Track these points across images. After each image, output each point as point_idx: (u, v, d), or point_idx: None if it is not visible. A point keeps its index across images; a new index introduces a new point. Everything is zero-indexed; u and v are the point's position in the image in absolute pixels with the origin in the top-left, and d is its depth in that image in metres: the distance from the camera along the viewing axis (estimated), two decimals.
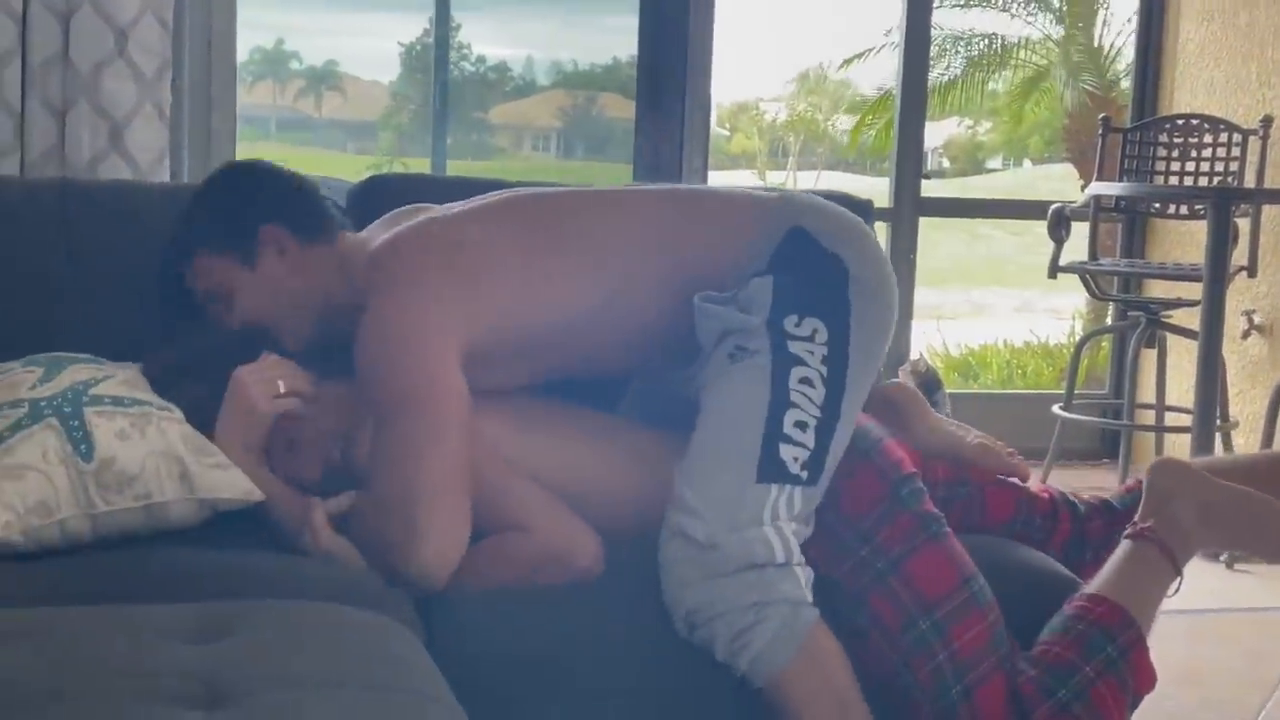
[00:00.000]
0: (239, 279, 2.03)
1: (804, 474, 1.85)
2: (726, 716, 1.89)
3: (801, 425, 1.86)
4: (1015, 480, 2.19)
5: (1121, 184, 4.49)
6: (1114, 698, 1.86)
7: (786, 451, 1.85)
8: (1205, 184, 4.42)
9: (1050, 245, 4.37)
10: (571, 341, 2.00)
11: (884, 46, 9.07)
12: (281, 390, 1.95)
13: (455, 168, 4.48)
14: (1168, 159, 4.52)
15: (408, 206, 2.17)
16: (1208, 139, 4.47)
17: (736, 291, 1.94)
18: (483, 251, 1.96)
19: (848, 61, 10.61)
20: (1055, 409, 4.47)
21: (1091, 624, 1.90)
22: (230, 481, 1.87)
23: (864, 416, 2.03)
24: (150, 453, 1.82)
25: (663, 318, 1.99)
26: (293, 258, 2.04)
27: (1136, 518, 2.04)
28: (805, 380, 1.88)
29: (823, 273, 1.96)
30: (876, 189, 4.76)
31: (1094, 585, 1.97)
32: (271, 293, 2.03)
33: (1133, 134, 4.59)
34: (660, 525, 1.87)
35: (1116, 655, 1.88)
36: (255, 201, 2.07)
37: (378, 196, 2.33)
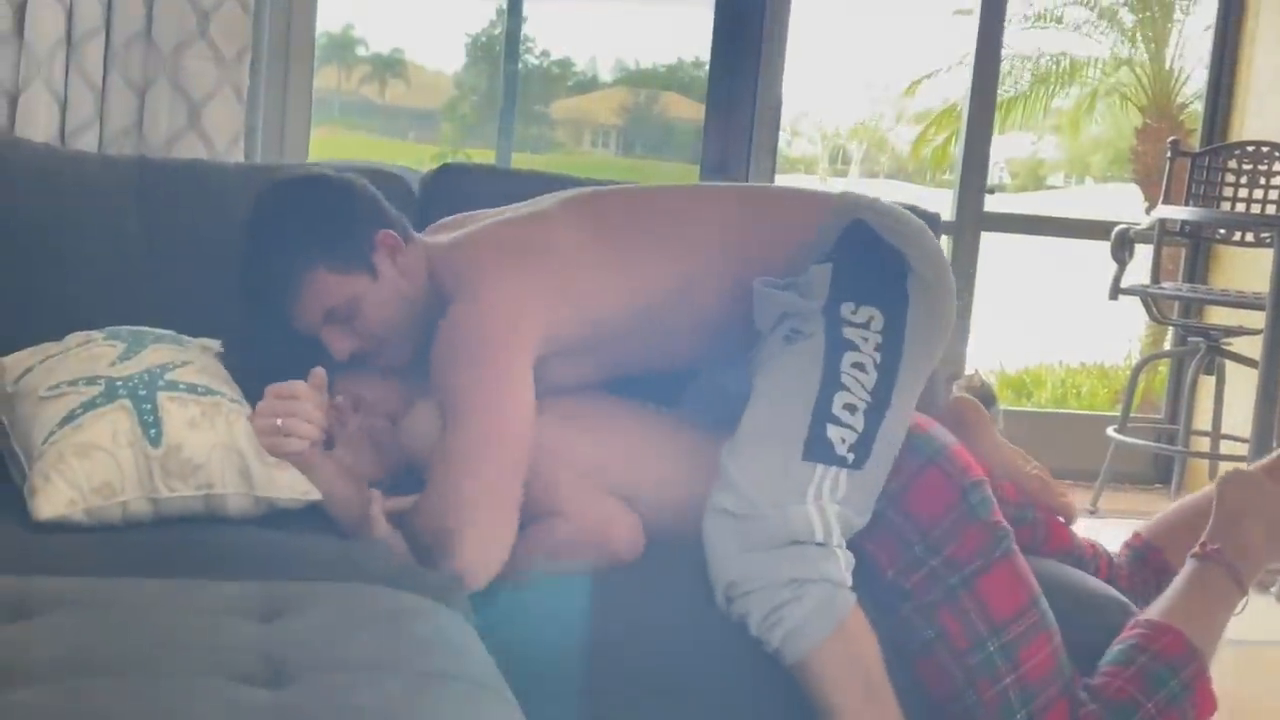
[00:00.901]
0: (364, 293, 1.95)
1: (850, 456, 1.87)
2: (767, 702, 1.90)
3: (851, 408, 1.88)
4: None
5: (1188, 209, 4.46)
6: None
7: (834, 432, 1.87)
8: (1273, 212, 4.38)
9: (1114, 266, 4.35)
10: (644, 330, 2.02)
11: (953, 67, 9.02)
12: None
13: (517, 160, 4.50)
14: (1235, 185, 4.49)
15: (453, 218, 2.18)
16: (1277, 166, 4.43)
17: (796, 278, 1.97)
18: (561, 247, 1.98)
19: (916, 83, 10.56)
20: (1110, 431, 4.45)
21: (1154, 656, 1.89)
22: (288, 482, 1.88)
23: (929, 422, 2.03)
24: (216, 444, 1.84)
25: (727, 306, 2.02)
26: (403, 261, 2.00)
27: (1205, 536, 2.02)
28: (858, 365, 1.90)
29: (882, 264, 1.98)
30: (937, 200, 4.73)
31: (1157, 610, 1.96)
32: (391, 303, 1.98)
33: (1201, 159, 4.56)
34: None
35: (1179, 689, 1.87)
36: (358, 209, 2.01)
37: (451, 185, 2.35)
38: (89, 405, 1.82)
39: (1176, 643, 1.90)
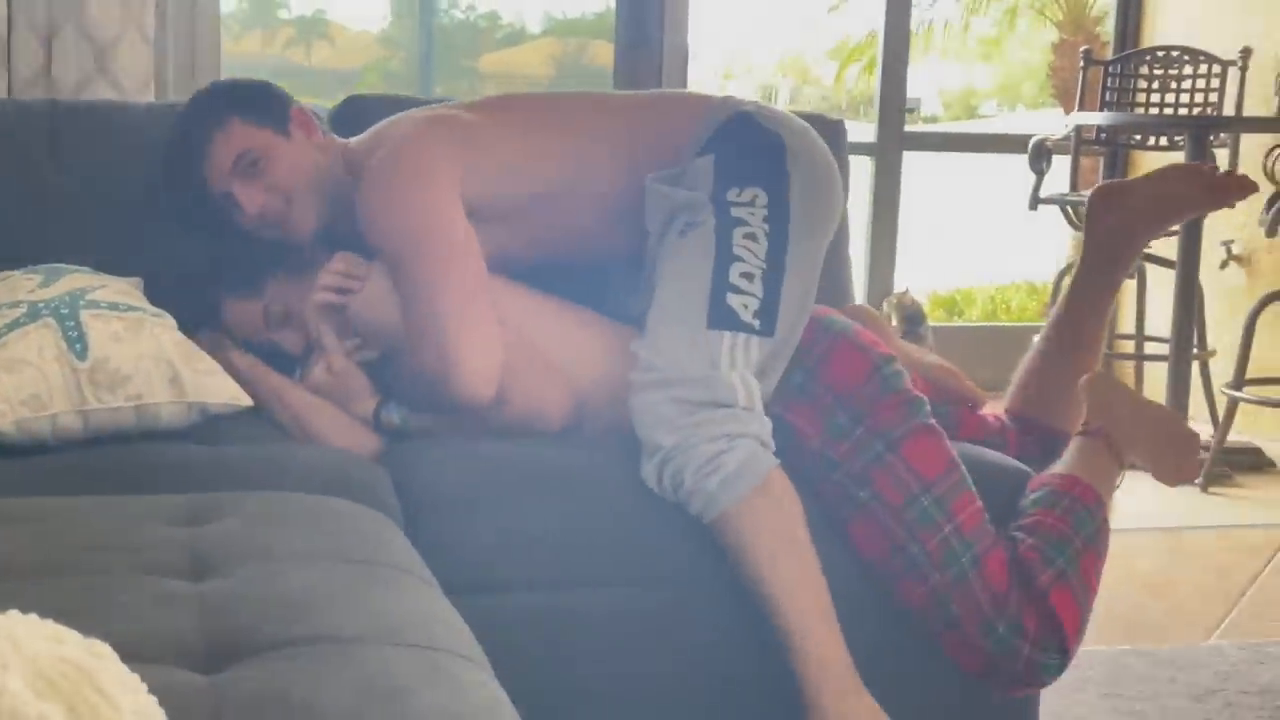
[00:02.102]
0: (274, 145, 2.07)
1: (756, 322, 1.94)
2: (705, 601, 1.97)
3: (748, 275, 1.96)
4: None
5: (1101, 114, 4.53)
6: (1095, 568, 1.98)
7: (735, 300, 1.95)
8: (1185, 115, 4.46)
9: (1033, 179, 4.42)
10: (548, 206, 2.12)
11: None
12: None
13: None
14: (1148, 90, 4.56)
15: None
16: (1187, 70, 4.51)
17: (682, 170, 2.06)
18: (467, 122, 2.10)
19: (834, 7, 10.58)
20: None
21: (1075, 500, 2.00)
22: (219, 387, 1.92)
23: (830, 310, 2.11)
24: (143, 355, 1.88)
25: (624, 198, 2.10)
26: (316, 139, 2.12)
27: (1083, 422, 2.15)
28: (749, 236, 1.99)
29: (761, 147, 2.07)
30: (868, 132, 4.79)
31: (1062, 468, 2.07)
32: (301, 164, 2.08)
33: (1114, 66, 4.63)
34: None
35: (1094, 531, 1.99)
36: (274, 89, 2.16)
37: (359, 115, 2.37)
38: (12, 325, 1.85)
39: (1089, 492, 2.02)
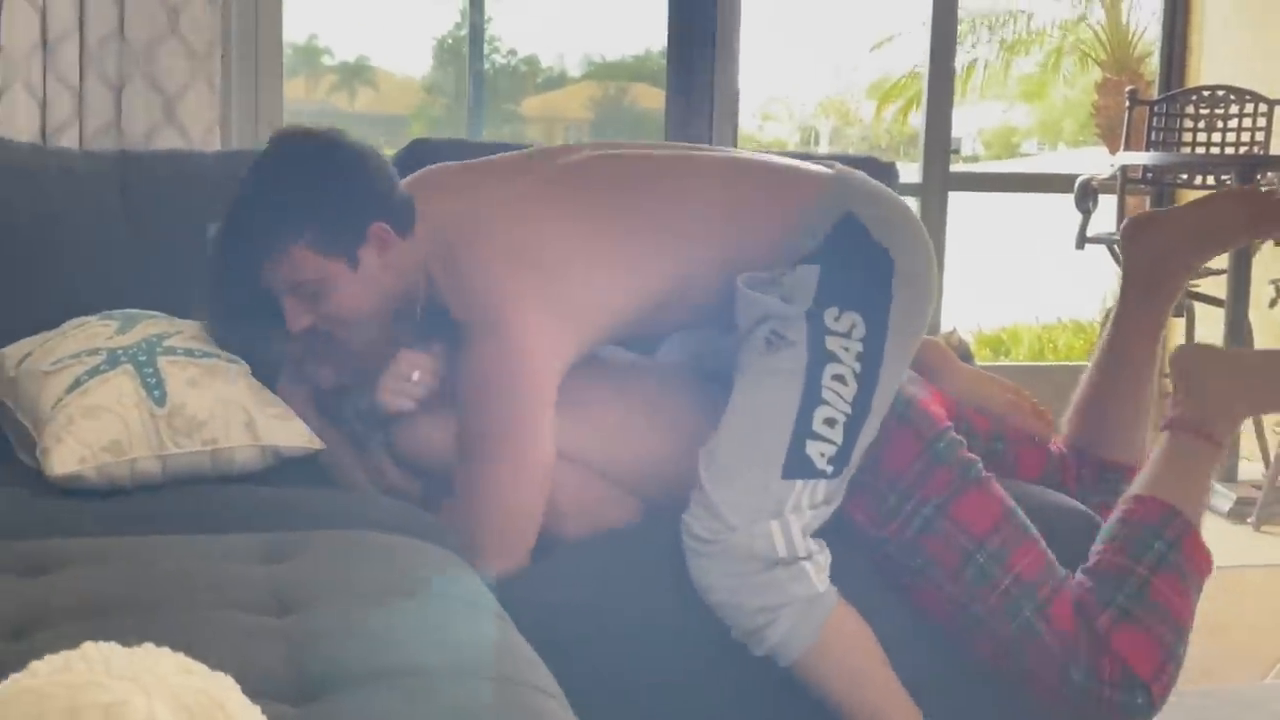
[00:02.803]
0: (338, 277, 1.93)
1: (829, 469, 1.88)
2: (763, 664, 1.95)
3: (830, 422, 1.89)
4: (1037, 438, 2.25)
5: (1147, 154, 4.55)
6: (1173, 589, 1.90)
7: (813, 448, 1.88)
8: (1231, 154, 4.47)
9: (1079, 218, 4.43)
10: (643, 323, 2.04)
11: (915, 30, 9.09)
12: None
13: None
14: (1194, 130, 4.57)
15: (438, 166, 2.16)
16: (1234, 109, 4.52)
17: (781, 274, 1.96)
18: (568, 257, 1.96)
19: (876, 45, 10.64)
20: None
21: (1135, 525, 1.94)
22: (292, 431, 1.97)
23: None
24: (218, 400, 1.92)
25: (715, 295, 2.01)
26: (391, 255, 1.96)
27: (1168, 409, 2.07)
28: (838, 377, 1.90)
29: (869, 265, 1.96)
30: (910, 172, 4.82)
31: (1135, 487, 2.01)
32: (367, 293, 1.95)
33: (1159, 106, 4.64)
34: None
35: (1166, 549, 1.91)
36: (365, 195, 1.95)
37: (422, 163, 2.41)
38: (93, 372, 1.91)
39: (1152, 507, 1.95)
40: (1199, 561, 1.94)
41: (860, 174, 2.09)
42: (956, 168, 4.79)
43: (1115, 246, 4.45)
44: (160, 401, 1.88)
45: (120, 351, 1.94)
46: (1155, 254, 2.18)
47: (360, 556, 1.61)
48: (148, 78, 2.78)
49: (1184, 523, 1.94)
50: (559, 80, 11.16)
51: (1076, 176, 4.50)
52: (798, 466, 1.87)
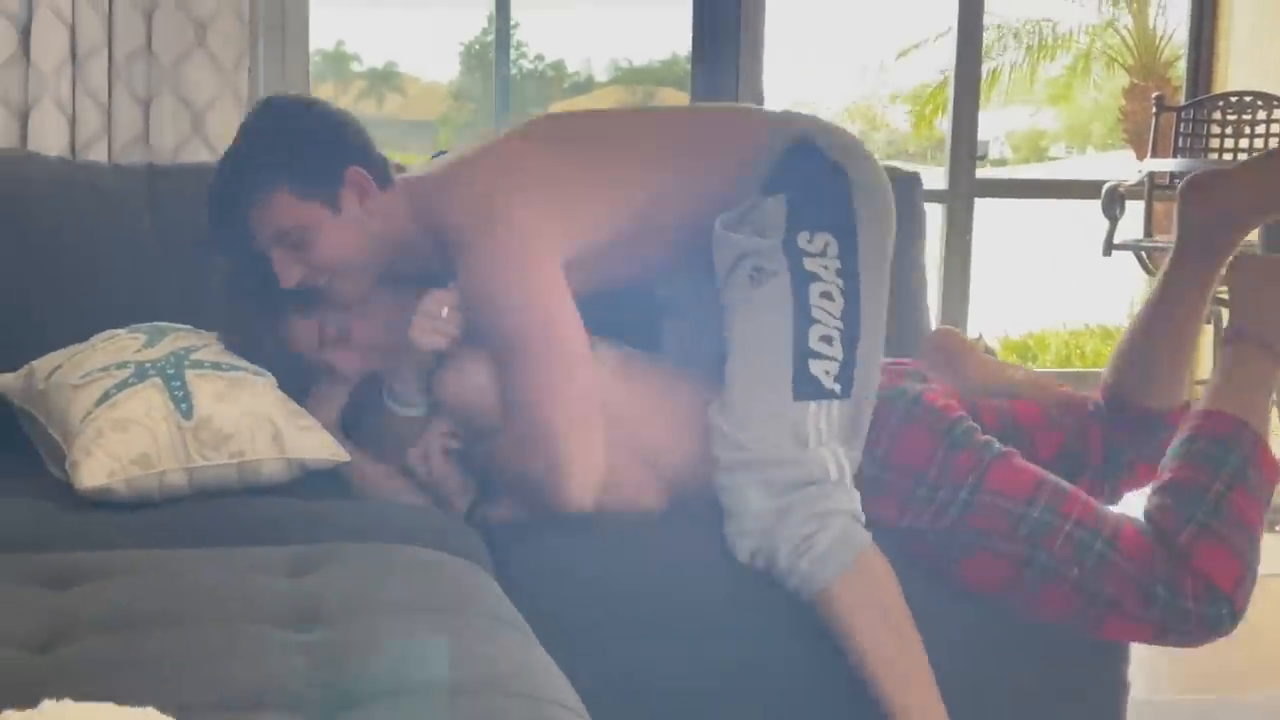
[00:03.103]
0: (321, 222, 1.98)
1: (837, 386, 1.94)
2: (787, 648, 1.98)
3: (827, 339, 1.95)
4: (1065, 406, 2.23)
5: (1175, 160, 4.53)
6: (1249, 503, 1.91)
7: (817, 366, 1.94)
8: None
9: (1107, 224, 4.42)
10: (625, 245, 2.07)
11: (941, 36, 9.08)
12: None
13: None
14: (1221, 135, 4.56)
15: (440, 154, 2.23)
16: (1261, 115, 4.50)
17: (749, 209, 2.03)
18: (552, 172, 2.03)
19: (904, 52, 10.62)
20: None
21: (1206, 440, 1.93)
22: (319, 443, 1.98)
23: (898, 375, 2.11)
24: (245, 413, 1.94)
25: (689, 222, 2.07)
26: (372, 203, 2.02)
27: (1228, 322, 2.07)
28: (825, 294, 1.97)
29: (828, 184, 2.04)
30: (937, 176, 4.81)
31: (1203, 401, 2.00)
32: (351, 238, 2.00)
33: (1186, 112, 4.63)
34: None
35: (1241, 463, 1.91)
36: (338, 142, 2.02)
37: None
38: (121, 385, 1.92)
39: (1223, 422, 1.94)
40: (1269, 471, 1.94)
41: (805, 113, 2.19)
42: (985, 171, 4.79)
43: (1143, 253, 4.45)
44: (188, 414, 1.90)
45: (148, 365, 1.96)
46: (1211, 213, 2.13)
47: (385, 570, 1.62)
48: (175, 92, 2.80)
49: (1252, 434, 1.94)
50: (585, 85, 11.18)
51: (1104, 182, 4.48)
52: (807, 387, 1.93)
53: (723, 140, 2.13)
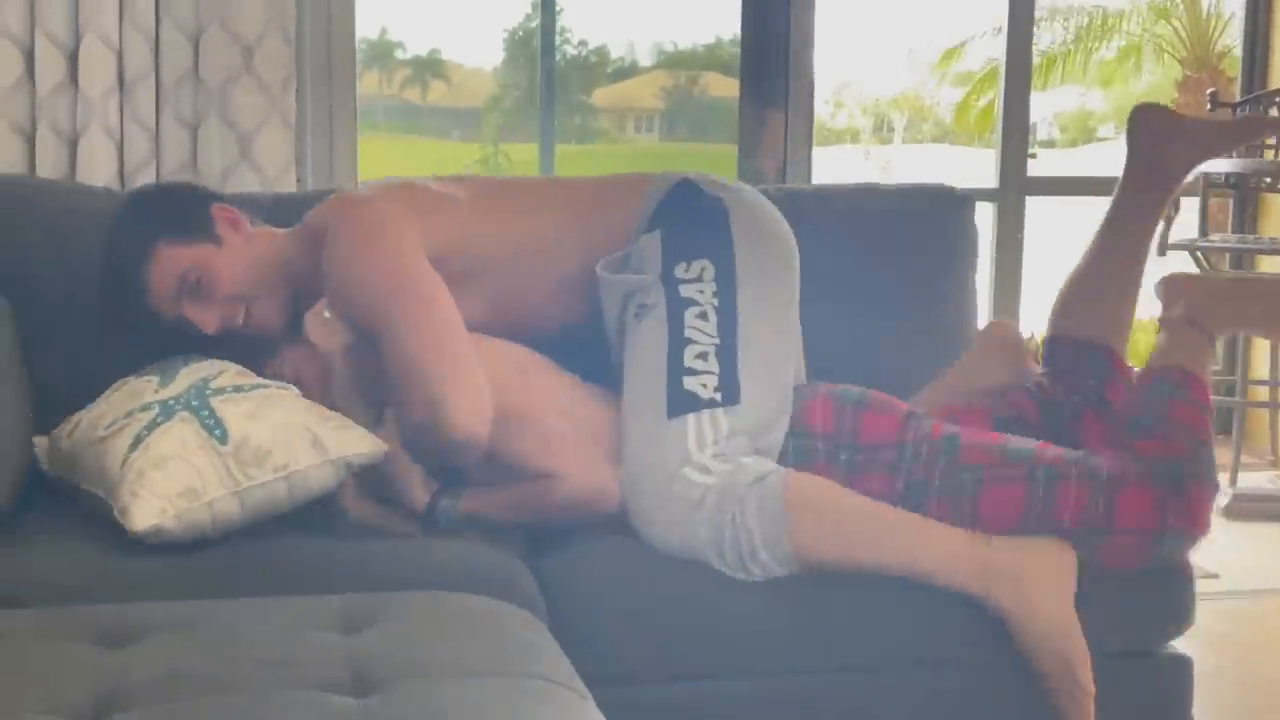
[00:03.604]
0: (209, 256, 2.05)
1: (718, 395, 1.99)
2: (844, 680, 1.99)
3: (702, 356, 2.01)
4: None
5: (1230, 160, 4.45)
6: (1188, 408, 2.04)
7: (692, 382, 2.00)
8: None
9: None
10: (505, 276, 2.14)
11: (989, 33, 8.99)
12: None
13: (561, 152, 4.58)
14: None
15: None
16: None
17: (628, 251, 2.10)
18: (429, 191, 2.13)
19: (953, 51, 10.51)
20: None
21: (1191, 393, 2.06)
22: (358, 439, 1.98)
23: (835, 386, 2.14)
24: (279, 425, 1.94)
25: (581, 274, 2.14)
26: (246, 231, 2.11)
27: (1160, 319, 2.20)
28: (700, 315, 2.03)
29: (705, 215, 2.11)
30: (983, 160, 4.75)
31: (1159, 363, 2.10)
32: (244, 262, 2.07)
33: (1241, 108, 4.54)
34: None
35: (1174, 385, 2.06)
36: (193, 191, 2.17)
37: None
38: (151, 426, 1.92)
39: (1198, 383, 2.08)
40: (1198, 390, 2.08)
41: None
42: (1035, 172, 4.71)
43: (1198, 253, 4.38)
44: (223, 439, 1.90)
45: (172, 401, 1.96)
46: (1158, 143, 2.25)
47: (439, 627, 1.61)
48: (223, 116, 2.80)
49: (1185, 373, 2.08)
50: (630, 70, 11.14)
51: None
52: (681, 403, 1.99)
53: (609, 197, 2.20)
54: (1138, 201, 2.27)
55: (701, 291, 2.04)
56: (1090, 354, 2.20)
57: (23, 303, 2.22)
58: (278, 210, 2.31)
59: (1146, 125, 2.28)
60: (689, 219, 2.11)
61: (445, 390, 1.91)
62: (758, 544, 1.92)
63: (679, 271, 2.05)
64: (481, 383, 1.94)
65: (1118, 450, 2.03)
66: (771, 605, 1.95)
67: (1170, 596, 2.07)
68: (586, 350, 2.18)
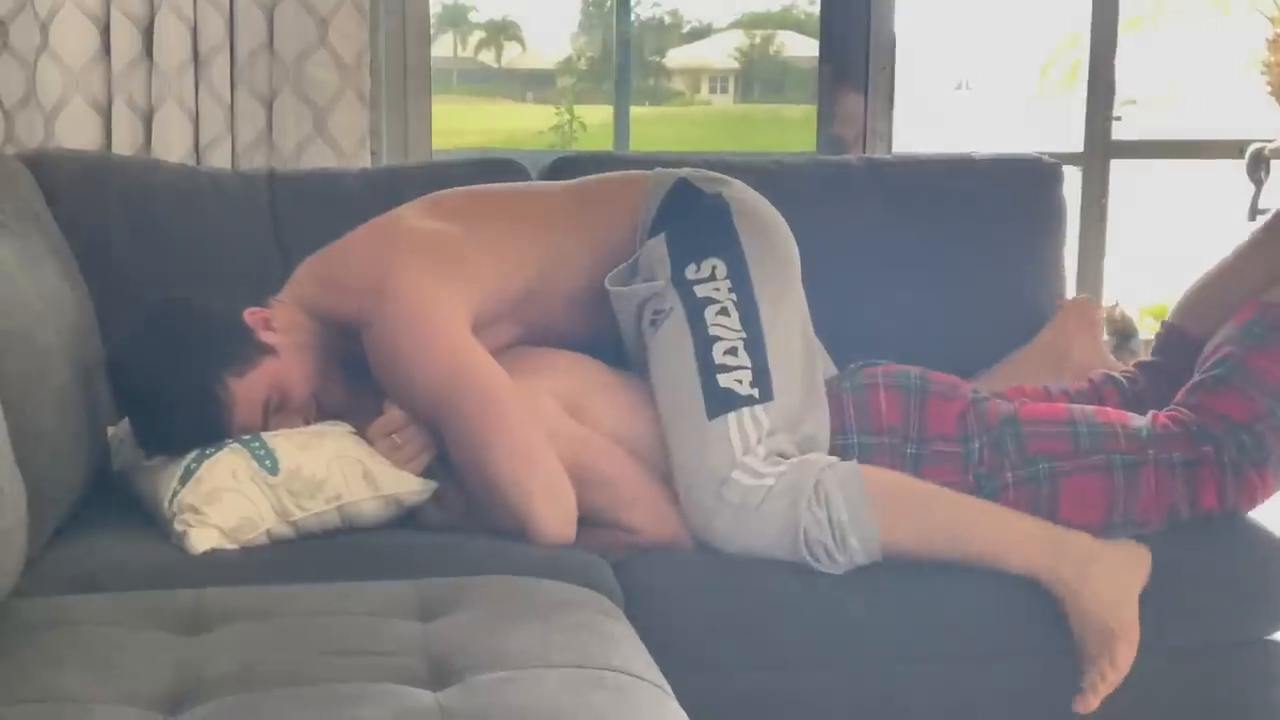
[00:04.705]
0: (277, 371, 1.96)
1: (755, 391, 1.96)
2: (918, 682, 1.97)
3: (732, 351, 1.98)
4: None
5: None
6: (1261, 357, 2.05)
7: (727, 379, 1.96)
8: None
9: (1252, 187, 4.23)
10: (532, 309, 2.10)
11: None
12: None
13: (636, 114, 4.55)
14: None
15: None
16: None
17: (634, 259, 2.07)
18: (455, 240, 2.04)
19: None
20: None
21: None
22: (408, 478, 1.95)
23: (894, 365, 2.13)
24: (332, 458, 1.90)
25: (594, 280, 2.09)
26: (277, 323, 2.00)
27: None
28: (721, 312, 1.99)
29: (707, 214, 2.08)
30: (1064, 120, 4.65)
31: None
32: (300, 360, 1.99)
33: None
34: None
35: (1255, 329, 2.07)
36: (214, 310, 2.00)
37: (566, 175, 2.38)
38: (200, 458, 1.88)
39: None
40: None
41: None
42: (1119, 136, 4.61)
43: None
44: (274, 470, 1.86)
45: None
46: None
47: (516, 613, 1.59)
48: (298, 91, 2.77)
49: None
50: (704, 30, 11.02)
51: (1248, 143, 4.29)
52: (720, 401, 1.95)
53: (601, 204, 2.16)
54: None
55: (717, 289, 2.01)
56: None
57: (99, 282, 2.22)
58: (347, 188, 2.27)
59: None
60: (692, 219, 2.08)
61: (532, 506, 1.87)
62: (848, 531, 1.89)
63: (689, 273, 2.02)
64: (563, 486, 1.90)
65: (1182, 414, 2.02)
66: (849, 597, 1.92)
67: (1273, 592, 2.05)
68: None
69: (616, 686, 1.42)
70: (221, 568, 1.79)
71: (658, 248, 2.05)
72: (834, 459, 1.96)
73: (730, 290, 2.01)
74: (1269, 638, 2.07)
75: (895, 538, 1.91)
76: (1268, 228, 2.24)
